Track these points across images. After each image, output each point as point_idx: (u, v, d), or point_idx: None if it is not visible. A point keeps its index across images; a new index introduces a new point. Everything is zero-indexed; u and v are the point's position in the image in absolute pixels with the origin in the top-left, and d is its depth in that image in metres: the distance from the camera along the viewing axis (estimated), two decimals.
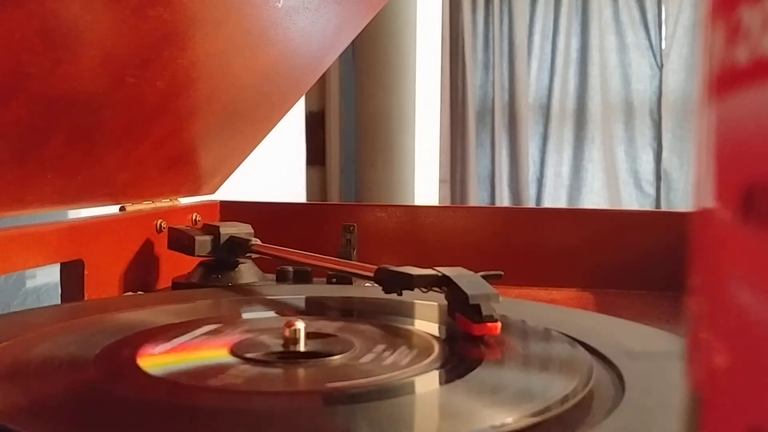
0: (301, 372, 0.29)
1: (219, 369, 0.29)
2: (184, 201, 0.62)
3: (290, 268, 0.51)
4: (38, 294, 0.69)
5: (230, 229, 0.51)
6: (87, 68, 0.39)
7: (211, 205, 0.65)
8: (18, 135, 0.39)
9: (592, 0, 2.60)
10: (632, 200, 2.63)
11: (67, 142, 0.42)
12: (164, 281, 0.56)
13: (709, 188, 0.11)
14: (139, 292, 0.51)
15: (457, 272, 0.35)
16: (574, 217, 0.61)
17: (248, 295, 0.45)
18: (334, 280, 0.50)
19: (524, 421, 0.23)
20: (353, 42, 0.65)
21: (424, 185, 1.83)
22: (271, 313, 0.40)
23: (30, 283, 0.69)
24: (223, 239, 0.50)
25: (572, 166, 2.67)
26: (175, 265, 0.56)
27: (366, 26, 0.61)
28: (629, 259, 0.58)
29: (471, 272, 0.36)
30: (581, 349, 0.31)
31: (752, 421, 0.10)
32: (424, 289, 0.36)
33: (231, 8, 0.44)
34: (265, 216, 0.62)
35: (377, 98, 1.78)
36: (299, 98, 0.65)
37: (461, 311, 0.33)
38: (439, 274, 0.35)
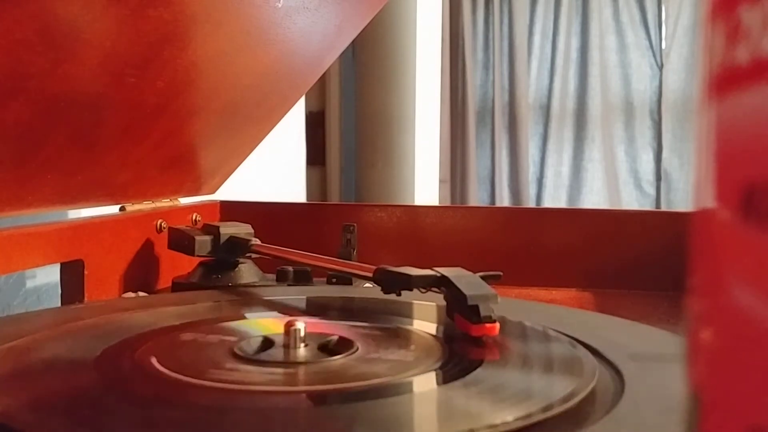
0: (301, 372, 0.29)
1: (219, 369, 0.29)
2: (184, 201, 0.62)
3: (290, 268, 0.51)
4: (38, 294, 0.69)
5: (230, 229, 0.51)
6: (87, 68, 0.39)
7: (211, 205, 0.65)
8: (18, 135, 0.39)
9: (592, 0, 2.60)
10: (632, 200, 2.63)
11: (67, 142, 0.42)
12: (164, 281, 0.56)
13: (709, 188, 0.11)
14: (140, 292, 0.51)
15: (455, 273, 0.35)
16: (574, 217, 0.61)
17: (248, 295, 0.45)
18: (334, 280, 0.50)
19: (525, 420, 0.23)
20: (353, 42, 0.65)
21: (424, 185, 1.83)
22: (272, 314, 0.40)
23: (30, 283, 0.69)
24: (223, 239, 0.50)
25: (572, 166, 2.67)
26: (175, 265, 0.56)
27: (366, 26, 0.61)
28: (629, 259, 0.58)
29: (470, 273, 0.36)
30: (582, 348, 0.31)
31: (752, 421, 0.10)
32: (423, 290, 0.36)
33: (231, 8, 0.44)
34: (265, 216, 0.62)
35: (377, 98, 1.78)
36: (299, 98, 0.65)
37: (460, 312, 0.33)
38: (438, 275, 0.35)
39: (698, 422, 0.11)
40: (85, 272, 0.47)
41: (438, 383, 0.28)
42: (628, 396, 0.26)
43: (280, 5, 0.47)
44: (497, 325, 0.32)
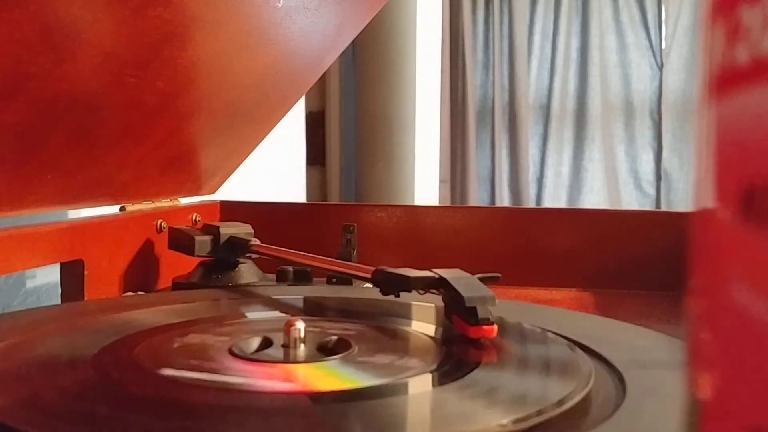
0: (300, 372, 0.29)
1: (218, 369, 0.29)
2: (184, 201, 0.61)
3: (290, 268, 0.51)
4: (38, 294, 0.69)
5: (230, 229, 0.51)
6: (87, 68, 0.39)
7: (211, 205, 0.65)
8: (18, 135, 0.39)
9: (592, 0, 2.60)
10: (632, 200, 2.63)
11: (67, 142, 0.42)
12: (164, 281, 0.56)
13: (709, 188, 0.11)
14: (140, 292, 0.51)
15: (454, 274, 0.35)
16: (574, 217, 0.61)
17: (248, 295, 0.45)
18: (334, 280, 0.50)
19: (522, 423, 0.23)
20: (353, 42, 0.65)
21: (424, 185, 1.83)
22: (271, 314, 0.40)
23: (30, 283, 0.69)
24: (223, 239, 0.50)
25: (572, 166, 2.67)
26: (175, 265, 0.56)
27: (366, 26, 0.61)
28: (629, 259, 0.58)
29: (468, 274, 0.36)
30: (579, 351, 0.31)
31: (752, 421, 0.10)
32: (421, 291, 0.36)
33: (231, 8, 0.44)
34: (265, 216, 0.62)
35: (377, 98, 1.78)
36: (299, 98, 0.65)
37: (458, 313, 0.33)
38: (436, 276, 0.35)
39: (698, 423, 0.11)
40: (85, 272, 0.47)
41: (434, 385, 0.28)
42: (630, 399, 0.26)
43: (280, 5, 0.47)
44: (495, 326, 0.32)
